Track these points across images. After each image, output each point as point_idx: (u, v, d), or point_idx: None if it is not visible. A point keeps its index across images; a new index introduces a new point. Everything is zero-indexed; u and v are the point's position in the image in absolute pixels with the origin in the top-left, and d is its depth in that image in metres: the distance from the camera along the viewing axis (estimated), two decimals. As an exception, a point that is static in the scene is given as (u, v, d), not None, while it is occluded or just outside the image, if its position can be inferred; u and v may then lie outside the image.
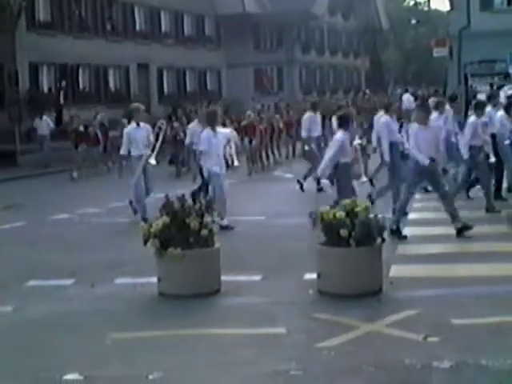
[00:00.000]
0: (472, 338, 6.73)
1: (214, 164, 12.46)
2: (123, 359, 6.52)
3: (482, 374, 5.96)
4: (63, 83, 30.32)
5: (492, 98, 15.94)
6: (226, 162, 13.07)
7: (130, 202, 14.00)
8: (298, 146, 23.02)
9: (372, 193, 13.74)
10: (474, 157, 13.06)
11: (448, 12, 38.54)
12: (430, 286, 8.45)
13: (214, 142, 12.48)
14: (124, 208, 15.15)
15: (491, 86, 33.99)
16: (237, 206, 14.25)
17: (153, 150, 14.02)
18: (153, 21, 39.58)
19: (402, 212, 11.37)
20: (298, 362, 6.25)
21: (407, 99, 32.43)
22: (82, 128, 23.93)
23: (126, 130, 14.21)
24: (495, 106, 15.19)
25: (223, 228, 11.86)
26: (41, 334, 7.31)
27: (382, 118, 14.09)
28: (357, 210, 8.13)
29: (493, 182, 13.77)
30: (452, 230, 11.06)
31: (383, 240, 8.23)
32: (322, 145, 18.17)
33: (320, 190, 16.55)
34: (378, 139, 14.18)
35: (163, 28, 40.55)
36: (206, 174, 12.87)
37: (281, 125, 24.46)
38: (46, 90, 32.39)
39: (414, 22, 68.72)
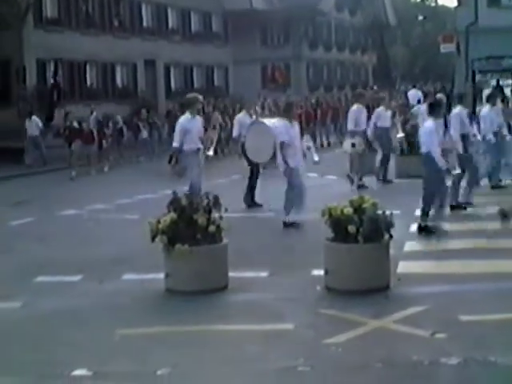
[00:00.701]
0: (480, 334, 6.72)
1: (292, 157, 11.89)
2: (131, 355, 6.54)
3: (490, 370, 5.96)
4: (58, 78, 29.87)
5: (492, 97, 16.07)
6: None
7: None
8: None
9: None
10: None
11: (455, 8, 38.42)
12: (438, 282, 8.44)
13: (292, 133, 11.99)
14: (132, 204, 15.24)
15: (497, 82, 33.97)
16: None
17: (211, 142, 13.52)
18: (160, 17, 39.57)
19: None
20: (305, 358, 6.25)
21: (415, 95, 32.39)
22: (76, 124, 23.19)
23: (179, 122, 13.10)
24: (494, 105, 15.49)
25: (289, 225, 11.68)
26: (49, 330, 7.33)
27: (454, 110, 13.90)
28: (364, 206, 8.13)
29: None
30: (460, 227, 11.05)
31: (391, 236, 8.22)
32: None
33: (361, 186, 15.85)
34: None
35: (170, 24, 40.54)
36: (282, 168, 12.08)
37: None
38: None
39: (421, 17, 68.57)
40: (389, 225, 8.19)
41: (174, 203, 8.47)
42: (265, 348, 6.60)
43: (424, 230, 10.92)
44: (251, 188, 14.33)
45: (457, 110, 13.37)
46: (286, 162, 11.89)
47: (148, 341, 6.91)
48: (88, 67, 34.52)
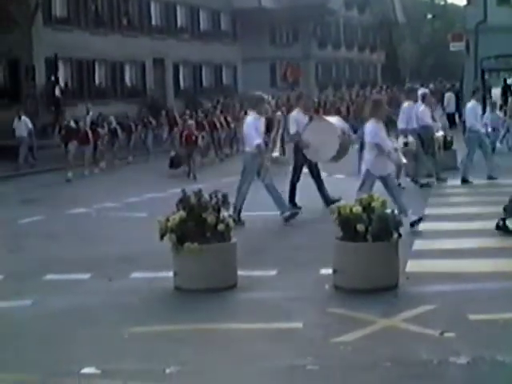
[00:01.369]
0: (489, 333, 6.71)
1: (382, 162, 10.84)
2: (140, 353, 6.54)
3: (498, 369, 5.94)
4: (53, 77, 29.63)
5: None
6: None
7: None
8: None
9: None
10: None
11: (465, 6, 38.33)
12: (447, 281, 8.42)
13: (382, 135, 10.97)
14: (141, 203, 15.26)
15: (505, 81, 33.91)
16: (254, 200, 14.27)
17: (274, 143, 13.10)
18: (169, 16, 39.62)
19: None
20: (314, 356, 6.25)
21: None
22: (73, 124, 22.31)
23: (249, 121, 12.51)
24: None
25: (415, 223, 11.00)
26: (58, 328, 7.35)
27: (468, 104, 14.02)
28: (374, 204, 8.12)
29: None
30: (469, 225, 11.03)
31: (400, 235, 8.21)
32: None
33: (424, 185, 15.57)
34: None
35: (179, 23, 40.59)
36: (364, 170, 11.04)
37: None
38: (62, 85, 32.50)
39: (430, 16, 68.48)
40: (398, 224, 8.18)
41: (183, 201, 8.47)
42: (273, 346, 6.60)
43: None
44: (292, 188, 13.72)
45: (470, 104, 13.59)
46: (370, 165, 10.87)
47: (157, 339, 6.92)
48: (97, 66, 34.60)
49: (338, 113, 28.99)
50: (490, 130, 20.50)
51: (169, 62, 39.07)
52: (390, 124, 18.64)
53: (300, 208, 13.33)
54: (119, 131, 24.59)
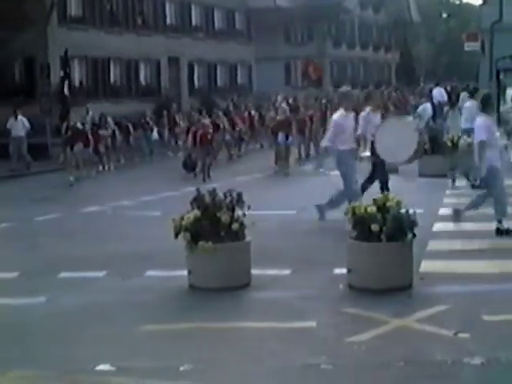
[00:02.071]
0: (503, 334, 6.70)
1: (494, 158, 10.55)
2: (154, 351, 6.57)
3: (513, 370, 5.94)
4: (61, 73, 29.45)
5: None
6: None
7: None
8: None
9: None
10: None
11: (480, 5, 38.23)
12: (461, 281, 8.41)
13: (493, 129, 10.77)
14: (155, 201, 15.29)
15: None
16: (267, 200, 14.30)
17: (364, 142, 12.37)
18: (183, 15, 39.64)
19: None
20: (328, 356, 6.26)
21: (438, 93, 32.18)
22: (79, 125, 21.25)
23: (334, 119, 12.10)
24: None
25: (504, 233, 10.59)
26: (73, 325, 7.39)
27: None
28: (388, 204, 8.12)
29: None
30: (483, 227, 10.99)
31: (414, 235, 8.20)
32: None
33: (476, 186, 15.33)
34: None
35: (194, 22, 40.60)
36: (483, 173, 10.58)
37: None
38: (77, 83, 32.61)
39: (445, 15, 68.27)
40: (412, 224, 8.17)
41: (198, 200, 8.50)
42: (287, 345, 6.61)
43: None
44: (364, 188, 12.98)
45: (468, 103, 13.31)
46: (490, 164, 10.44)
47: (171, 337, 6.95)
48: (112, 65, 34.65)
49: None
50: None
51: (183, 61, 39.08)
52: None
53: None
54: (117, 132, 24.12)
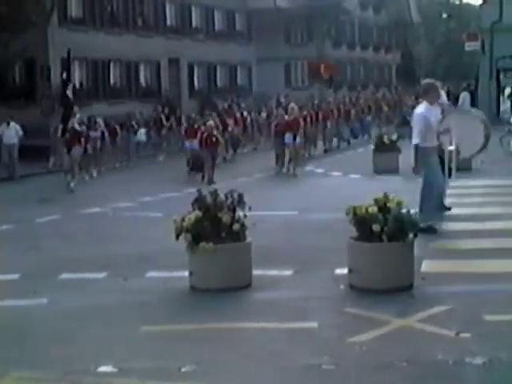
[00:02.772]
0: (505, 334, 6.69)
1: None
2: (155, 352, 6.57)
3: (515, 370, 5.93)
4: (64, 75, 29.20)
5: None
6: None
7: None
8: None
9: None
10: None
11: (480, 6, 38.21)
12: (462, 281, 8.40)
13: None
14: (155, 202, 15.30)
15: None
16: (269, 200, 14.31)
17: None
18: (184, 16, 39.66)
19: None
20: (329, 356, 6.25)
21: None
22: (77, 127, 20.51)
23: (419, 113, 11.09)
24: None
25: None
26: (74, 326, 7.38)
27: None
28: (389, 205, 8.12)
29: None
30: (486, 226, 10.98)
31: (415, 235, 8.20)
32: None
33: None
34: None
35: (194, 23, 40.62)
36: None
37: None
38: (77, 85, 32.63)
39: (445, 15, 68.24)
40: (413, 224, 8.17)
41: (199, 201, 8.50)
42: (289, 346, 6.61)
43: None
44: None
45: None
46: None
47: (172, 338, 6.95)
48: (112, 66, 34.67)
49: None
50: None
51: (184, 62, 39.09)
52: (403, 124, 18.56)
53: (449, 209, 12.22)
54: (106, 135, 23.84)
